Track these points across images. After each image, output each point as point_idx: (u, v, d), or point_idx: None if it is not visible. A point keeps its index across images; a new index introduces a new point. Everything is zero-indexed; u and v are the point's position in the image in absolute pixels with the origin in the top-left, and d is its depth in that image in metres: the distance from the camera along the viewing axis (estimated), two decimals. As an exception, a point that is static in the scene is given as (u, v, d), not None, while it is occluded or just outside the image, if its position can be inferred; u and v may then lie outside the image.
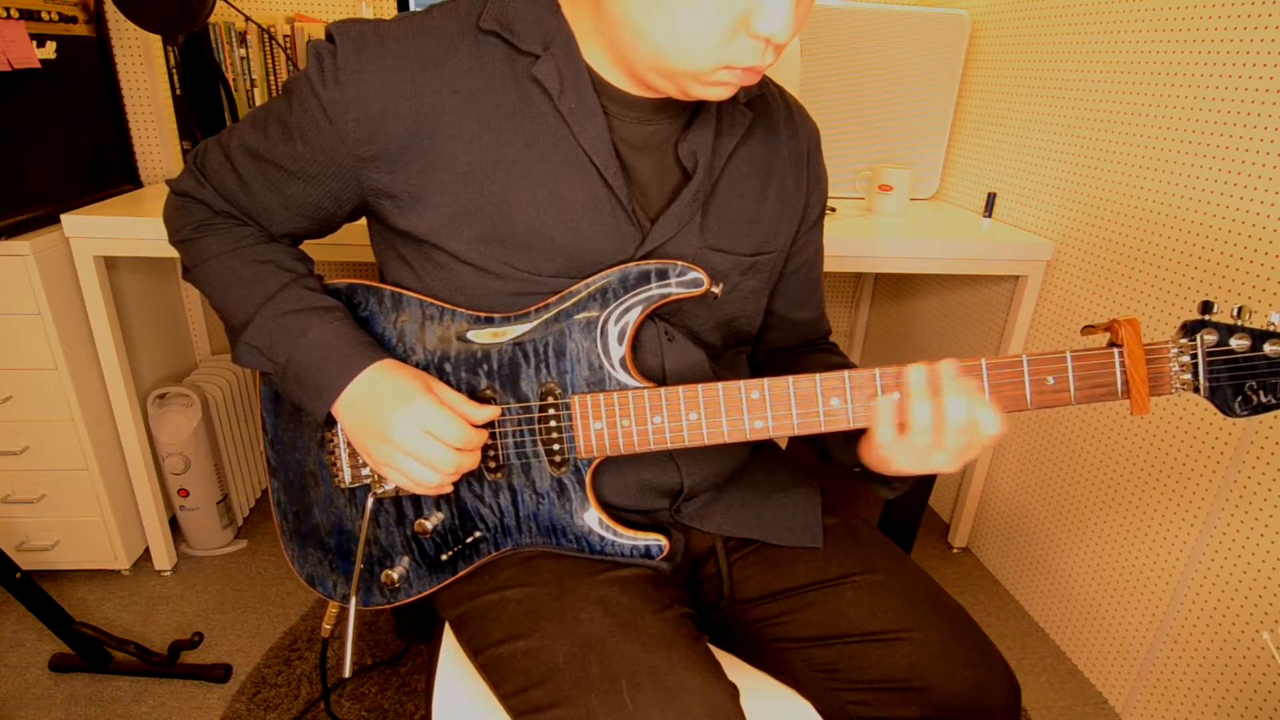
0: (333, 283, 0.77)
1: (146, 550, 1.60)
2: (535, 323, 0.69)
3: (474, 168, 0.66)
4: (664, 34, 0.58)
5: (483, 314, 0.71)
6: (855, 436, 0.73)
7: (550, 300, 0.69)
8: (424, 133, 0.65)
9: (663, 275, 0.67)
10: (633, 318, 0.68)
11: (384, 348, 0.73)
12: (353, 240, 1.33)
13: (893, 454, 0.64)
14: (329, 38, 0.65)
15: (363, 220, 0.77)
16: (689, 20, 0.56)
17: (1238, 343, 0.61)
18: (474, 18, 0.66)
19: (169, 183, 0.76)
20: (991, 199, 1.65)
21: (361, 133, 0.65)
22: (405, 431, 0.65)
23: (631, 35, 0.60)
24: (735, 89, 0.63)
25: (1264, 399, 0.62)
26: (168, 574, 1.60)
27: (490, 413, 0.69)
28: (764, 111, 0.77)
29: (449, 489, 0.69)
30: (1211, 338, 0.62)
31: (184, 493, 1.58)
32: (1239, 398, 0.62)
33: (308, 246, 0.80)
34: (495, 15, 0.65)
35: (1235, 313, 0.61)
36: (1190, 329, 0.62)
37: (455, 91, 0.65)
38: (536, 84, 0.66)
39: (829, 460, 0.80)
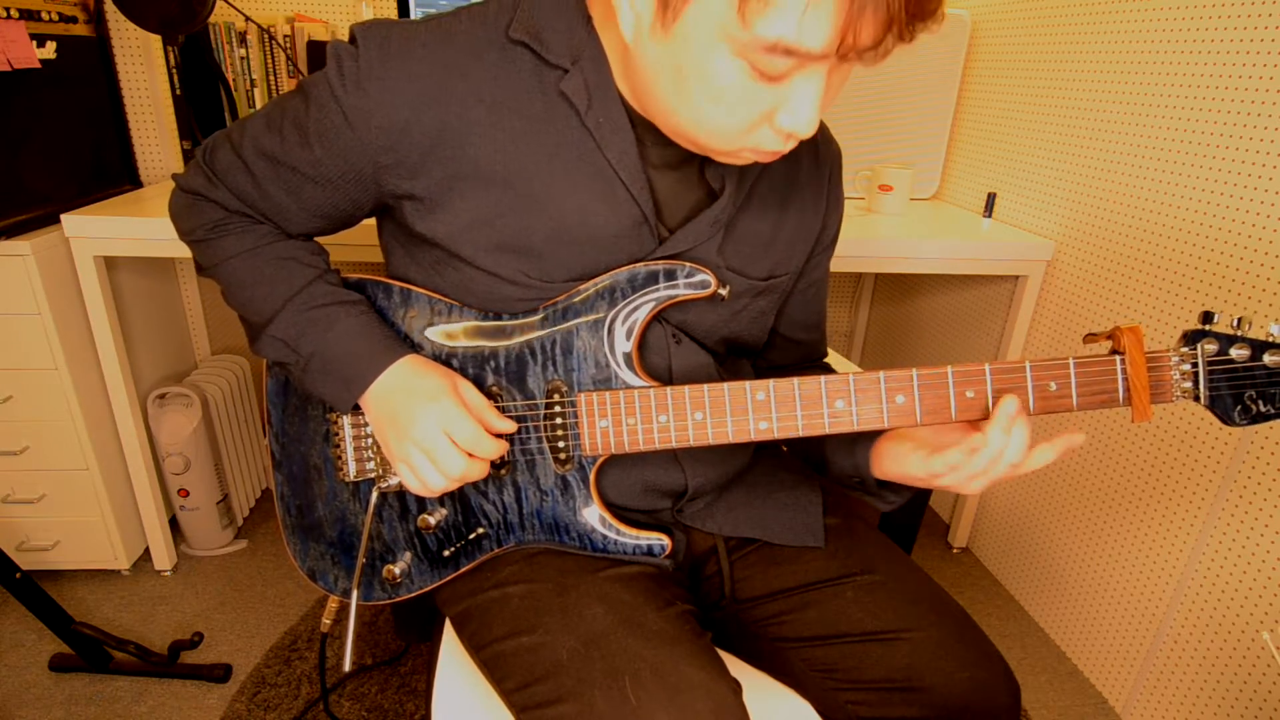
0: (343, 278, 0.77)
1: (146, 550, 1.60)
2: (543, 321, 0.70)
3: (496, 177, 0.65)
4: (689, 120, 0.58)
5: (490, 311, 0.71)
6: (860, 442, 0.74)
7: (558, 299, 0.69)
8: (447, 141, 0.64)
9: (670, 276, 0.68)
10: (640, 317, 0.68)
11: None
12: (359, 240, 1.33)
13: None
14: (352, 39, 0.63)
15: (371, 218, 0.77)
16: (714, 115, 0.56)
17: (1237, 352, 0.62)
18: (503, 26, 0.64)
19: (176, 178, 0.75)
20: (991, 199, 1.65)
21: (384, 140, 0.63)
22: (426, 428, 0.65)
23: (658, 108, 0.60)
24: (754, 160, 0.63)
25: (1263, 408, 0.63)
26: (168, 574, 1.60)
27: (509, 426, 0.70)
28: None
29: (445, 492, 0.70)
30: (1212, 347, 0.62)
31: (184, 493, 1.58)
32: (1238, 407, 0.63)
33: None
34: (525, 25, 0.64)
35: (1235, 323, 0.62)
36: (1191, 338, 0.63)
37: (481, 100, 0.63)
38: (563, 97, 0.65)
39: (823, 471, 0.81)
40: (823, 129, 0.81)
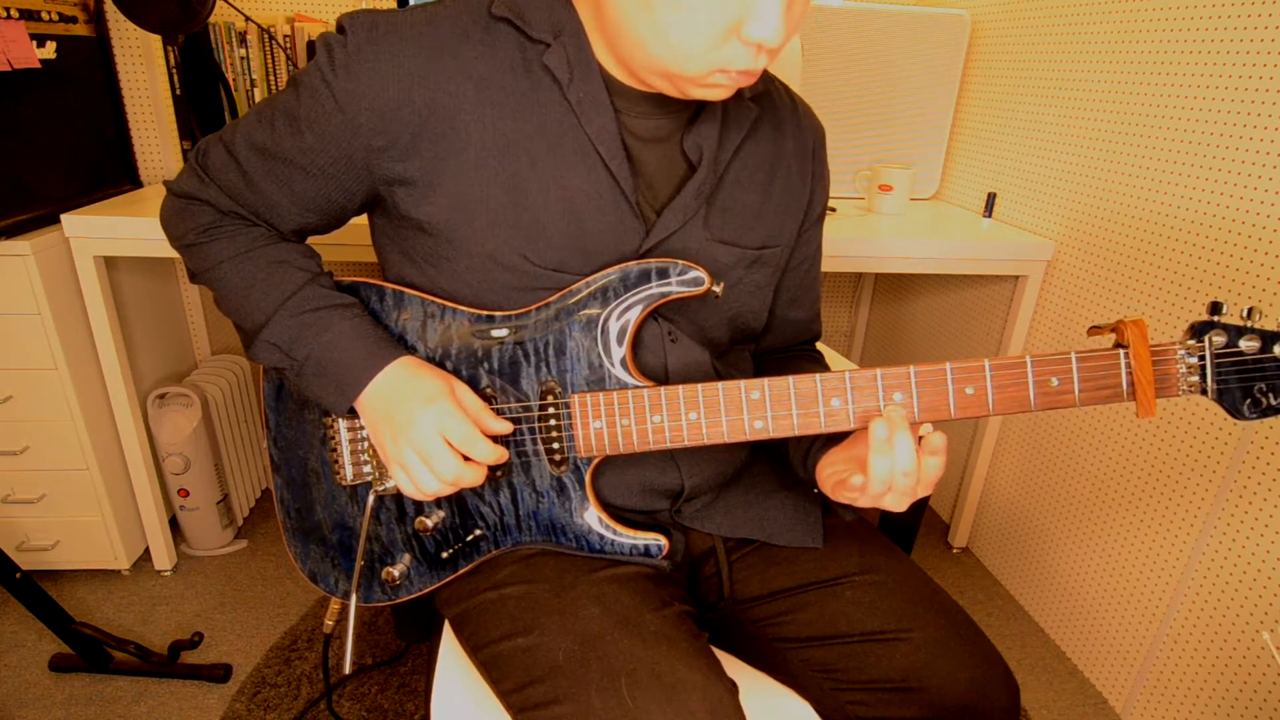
0: (337, 281, 0.77)
1: (146, 550, 1.60)
2: (536, 321, 0.70)
3: (486, 154, 0.66)
4: (657, 41, 0.59)
5: (484, 312, 0.71)
6: (810, 458, 0.75)
7: (551, 299, 0.69)
8: (437, 119, 0.65)
9: (663, 274, 0.67)
10: (633, 316, 0.68)
11: None
12: (355, 240, 1.33)
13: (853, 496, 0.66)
14: (339, 28, 0.64)
15: (364, 219, 0.77)
16: (680, 27, 0.57)
17: (1247, 344, 0.61)
18: (486, 4, 0.66)
19: (168, 184, 0.75)
20: (991, 199, 1.65)
21: (374, 122, 0.64)
22: (422, 429, 0.65)
23: (628, 41, 0.61)
24: (732, 90, 0.63)
25: (1273, 402, 0.61)
26: (168, 574, 1.60)
27: (505, 427, 0.69)
28: (770, 108, 0.78)
29: (442, 496, 0.69)
30: (1220, 339, 0.61)
31: (184, 493, 1.58)
32: (1248, 400, 0.62)
33: (311, 239, 0.80)
34: (507, 2, 0.66)
35: (1245, 314, 0.61)
36: (1198, 330, 0.62)
37: (469, 78, 0.65)
38: (546, 72, 0.66)
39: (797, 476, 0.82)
40: (806, 108, 0.83)
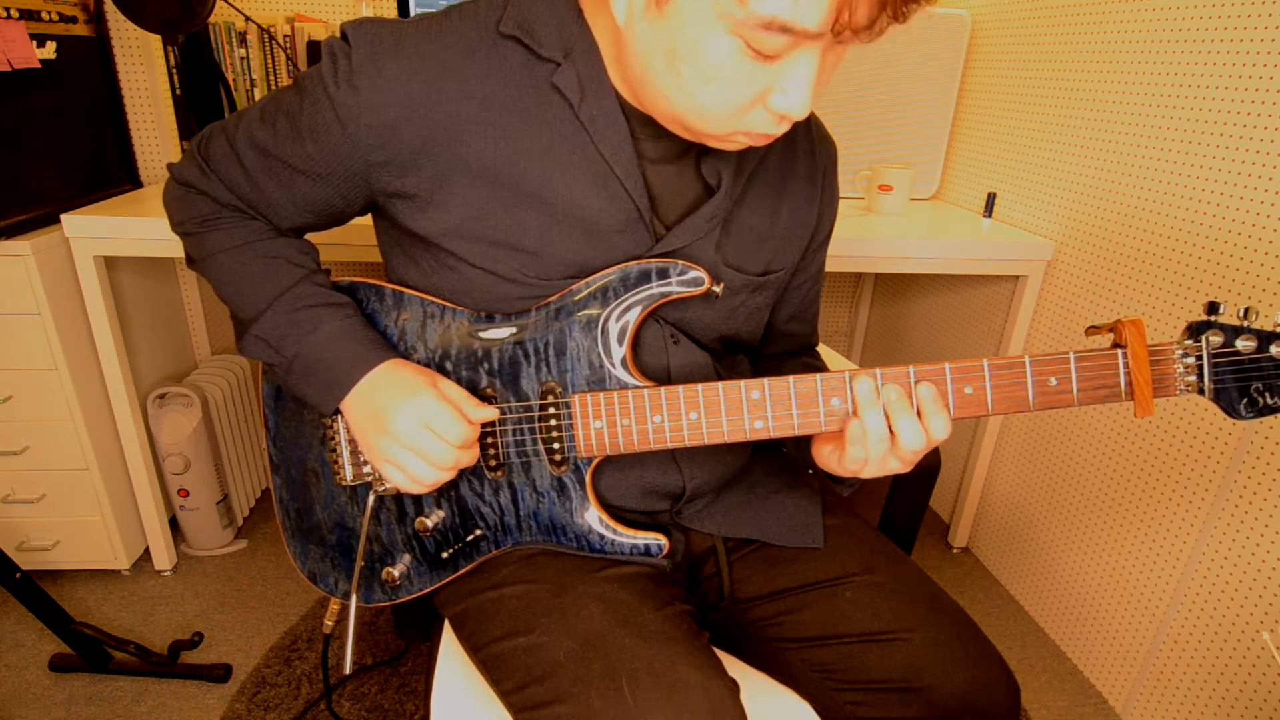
0: (335, 280, 0.77)
1: (146, 550, 1.60)
2: (536, 321, 0.69)
3: (488, 173, 0.65)
4: (682, 100, 0.58)
5: (484, 312, 0.71)
6: (805, 440, 0.74)
7: (551, 299, 0.69)
8: (438, 138, 0.64)
9: (663, 274, 0.67)
10: (633, 316, 0.68)
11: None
12: (357, 240, 1.33)
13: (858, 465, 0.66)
14: (344, 36, 0.63)
15: (368, 218, 0.77)
16: (707, 94, 0.56)
17: (1244, 344, 0.61)
18: (493, 21, 0.64)
19: (171, 168, 0.75)
20: (991, 199, 1.65)
21: (374, 138, 0.63)
22: (406, 424, 0.65)
23: (651, 92, 0.60)
24: (746, 146, 0.63)
25: (1270, 401, 0.61)
26: (168, 574, 1.60)
27: (489, 413, 0.69)
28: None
29: (440, 484, 0.69)
30: (1217, 339, 0.61)
31: (184, 493, 1.58)
32: (1245, 399, 0.62)
33: (314, 239, 0.80)
34: (516, 19, 0.64)
35: (1242, 313, 0.61)
36: (1195, 330, 0.62)
37: (472, 97, 0.63)
38: (556, 91, 0.64)
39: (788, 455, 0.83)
40: (819, 126, 0.81)
